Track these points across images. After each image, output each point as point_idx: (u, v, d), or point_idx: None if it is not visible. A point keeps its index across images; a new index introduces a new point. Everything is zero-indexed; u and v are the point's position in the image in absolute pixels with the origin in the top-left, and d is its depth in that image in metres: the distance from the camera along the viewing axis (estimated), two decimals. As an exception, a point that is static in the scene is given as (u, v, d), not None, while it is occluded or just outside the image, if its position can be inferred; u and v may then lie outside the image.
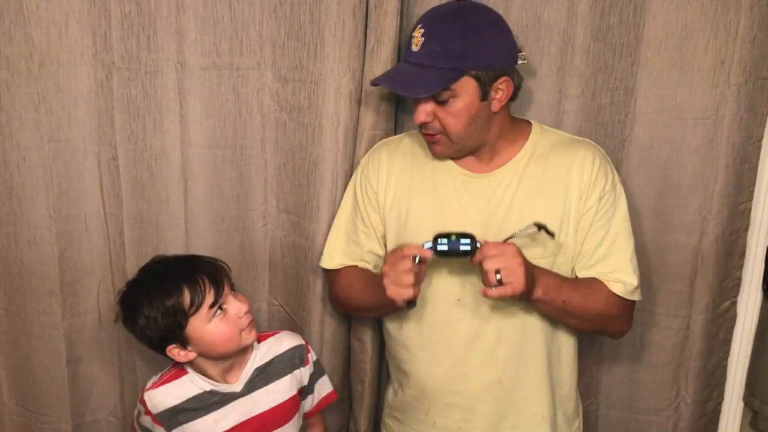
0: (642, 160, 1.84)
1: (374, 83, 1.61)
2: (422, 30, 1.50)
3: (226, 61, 1.74)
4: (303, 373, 1.72)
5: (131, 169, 1.79)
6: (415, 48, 1.50)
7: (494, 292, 1.44)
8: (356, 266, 1.72)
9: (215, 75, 1.74)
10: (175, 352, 1.57)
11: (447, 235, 1.48)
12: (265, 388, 1.66)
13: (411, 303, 1.49)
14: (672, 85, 1.78)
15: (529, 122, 1.66)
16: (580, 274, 1.61)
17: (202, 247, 1.83)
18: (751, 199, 1.89)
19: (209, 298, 1.54)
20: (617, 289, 1.58)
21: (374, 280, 1.61)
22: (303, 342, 1.73)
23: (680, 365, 1.96)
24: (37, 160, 1.74)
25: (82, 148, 1.77)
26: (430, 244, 1.48)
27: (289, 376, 1.69)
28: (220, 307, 1.56)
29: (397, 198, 1.65)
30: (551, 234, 1.52)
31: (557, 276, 1.56)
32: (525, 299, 1.51)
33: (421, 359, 1.66)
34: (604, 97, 1.79)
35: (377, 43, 1.70)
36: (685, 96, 1.79)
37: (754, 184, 1.88)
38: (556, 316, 1.59)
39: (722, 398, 2.05)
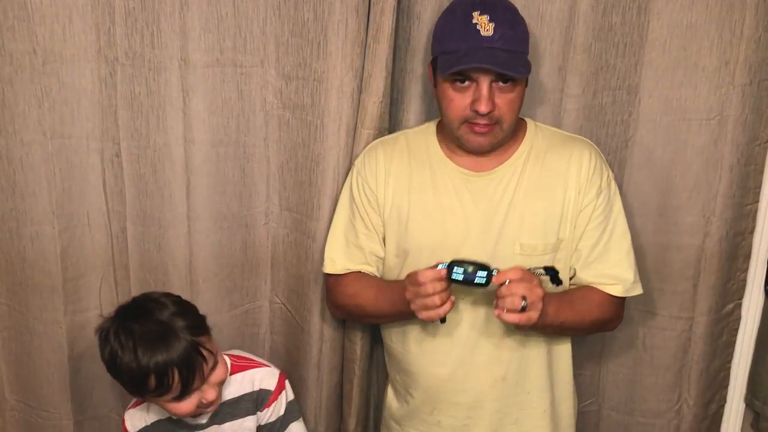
0: (645, 161, 1.83)
1: (463, 64, 1.46)
2: (486, 15, 1.48)
3: (230, 59, 1.74)
4: (262, 416, 1.69)
5: (134, 165, 1.79)
6: (486, 33, 1.47)
7: (514, 317, 1.42)
8: (360, 272, 1.70)
9: (219, 72, 1.74)
10: (135, 400, 1.62)
11: (463, 264, 1.44)
12: (230, 422, 1.65)
13: (443, 318, 1.48)
14: (676, 85, 1.78)
15: (524, 120, 1.66)
16: (580, 273, 1.61)
17: (205, 244, 1.83)
18: (757, 201, 1.88)
19: (174, 391, 1.50)
20: (616, 291, 1.59)
21: (388, 287, 1.61)
22: (273, 387, 1.68)
23: (683, 367, 1.95)
24: (40, 156, 1.75)
25: (85, 145, 1.77)
26: (445, 265, 1.45)
27: (253, 416, 1.67)
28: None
29: (396, 198, 1.64)
30: (558, 281, 1.53)
31: (555, 300, 1.53)
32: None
33: (425, 360, 1.66)
34: (605, 96, 1.78)
35: (373, 40, 1.69)
36: (689, 96, 1.78)
37: (760, 186, 1.87)
38: (554, 334, 1.61)
39: (725, 401, 2.04)
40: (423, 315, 1.47)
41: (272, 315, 1.96)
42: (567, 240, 1.59)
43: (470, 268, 1.44)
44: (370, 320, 1.77)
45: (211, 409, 1.58)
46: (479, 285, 1.44)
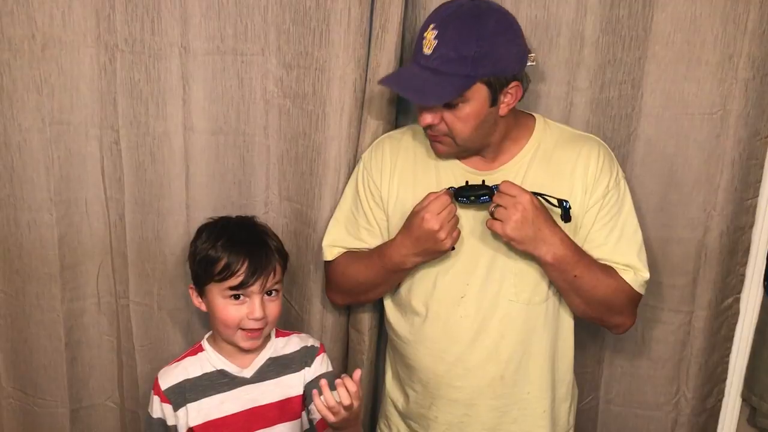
0: (647, 155, 1.83)
1: (383, 83, 1.60)
2: (435, 32, 1.46)
3: (230, 47, 1.73)
4: (309, 372, 1.70)
5: (133, 153, 1.78)
6: (427, 50, 1.47)
7: (487, 222, 1.51)
8: (351, 250, 1.71)
9: (219, 60, 1.73)
10: (191, 292, 1.66)
11: (465, 193, 1.53)
12: (275, 380, 1.66)
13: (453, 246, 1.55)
14: (679, 79, 1.77)
15: (533, 116, 1.65)
16: None
17: (203, 233, 1.83)
18: (757, 196, 1.88)
19: (234, 280, 1.56)
20: (627, 277, 1.57)
21: (369, 253, 1.65)
22: (318, 345, 1.73)
23: (681, 361, 1.96)
24: (38, 142, 1.74)
25: (84, 132, 1.76)
26: (452, 190, 1.54)
27: (299, 373, 1.69)
28: (237, 296, 1.58)
29: (401, 194, 1.64)
30: (566, 218, 1.52)
31: (577, 252, 1.54)
32: (535, 258, 1.52)
33: (423, 355, 1.65)
34: (612, 90, 1.77)
35: (382, 30, 1.69)
36: (692, 90, 1.77)
37: (761, 181, 1.87)
38: (563, 287, 1.57)
39: (723, 395, 2.04)
40: (449, 242, 1.51)
41: (271, 305, 1.95)
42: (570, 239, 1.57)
43: (473, 198, 1.54)
44: (367, 295, 1.74)
45: (252, 333, 1.60)
46: (485, 203, 1.54)
